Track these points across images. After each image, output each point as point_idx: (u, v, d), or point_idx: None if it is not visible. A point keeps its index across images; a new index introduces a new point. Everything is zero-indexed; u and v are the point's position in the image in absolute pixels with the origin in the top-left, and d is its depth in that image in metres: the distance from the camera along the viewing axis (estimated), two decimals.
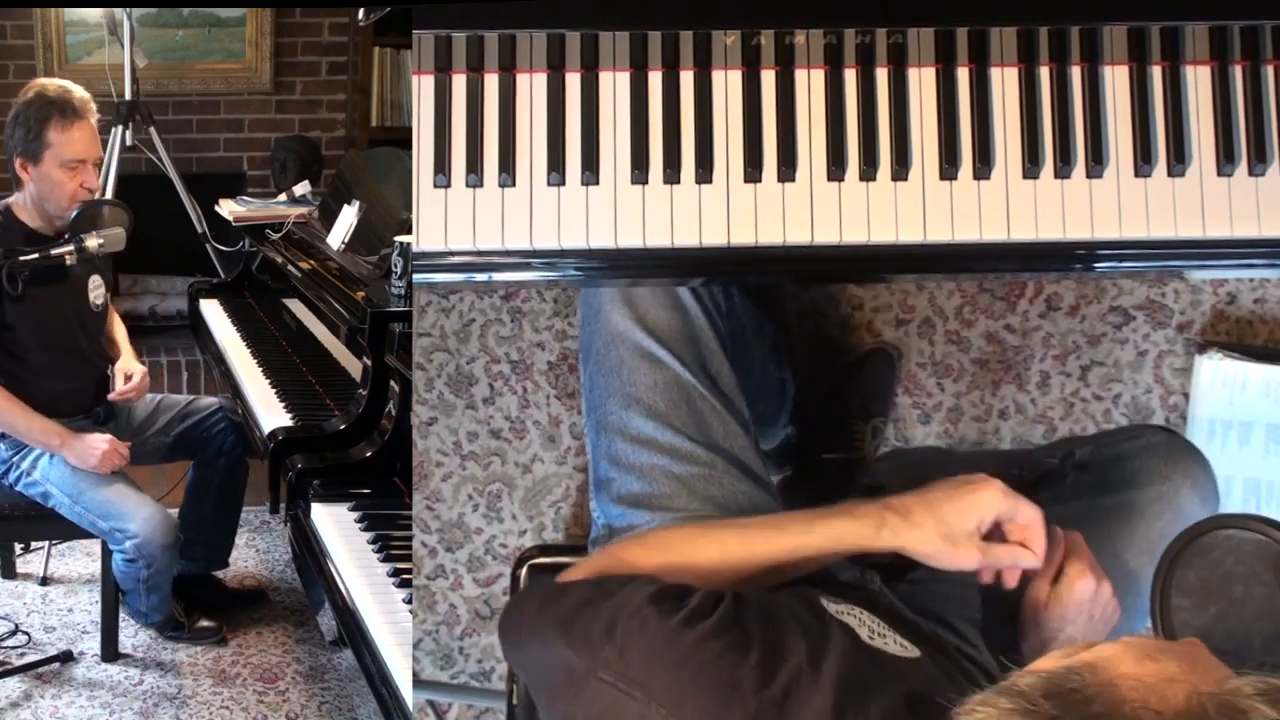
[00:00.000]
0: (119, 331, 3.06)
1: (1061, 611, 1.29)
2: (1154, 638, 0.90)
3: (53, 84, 2.69)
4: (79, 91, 2.68)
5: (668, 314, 1.54)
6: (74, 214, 2.68)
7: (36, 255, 2.58)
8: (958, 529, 1.28)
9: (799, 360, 2.12)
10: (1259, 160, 1.51)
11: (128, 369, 2.90)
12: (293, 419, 2.60)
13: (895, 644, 1.18)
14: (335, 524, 2.15)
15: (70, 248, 2.60)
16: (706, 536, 1.33)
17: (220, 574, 3.21)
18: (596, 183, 1.52)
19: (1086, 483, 1.49)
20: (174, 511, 3.01)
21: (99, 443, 2.70)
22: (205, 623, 3.01)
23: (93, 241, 2.63)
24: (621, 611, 1.12)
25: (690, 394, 1.52)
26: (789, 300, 2.21)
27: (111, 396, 2.85)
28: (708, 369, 1.54)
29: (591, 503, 1.59)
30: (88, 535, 2.81)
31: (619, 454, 1.53)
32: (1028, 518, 1.30)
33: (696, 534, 1.34)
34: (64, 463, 2.70)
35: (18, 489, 2.75)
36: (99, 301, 2.86)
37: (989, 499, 1.29)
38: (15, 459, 2.73)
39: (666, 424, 1.50)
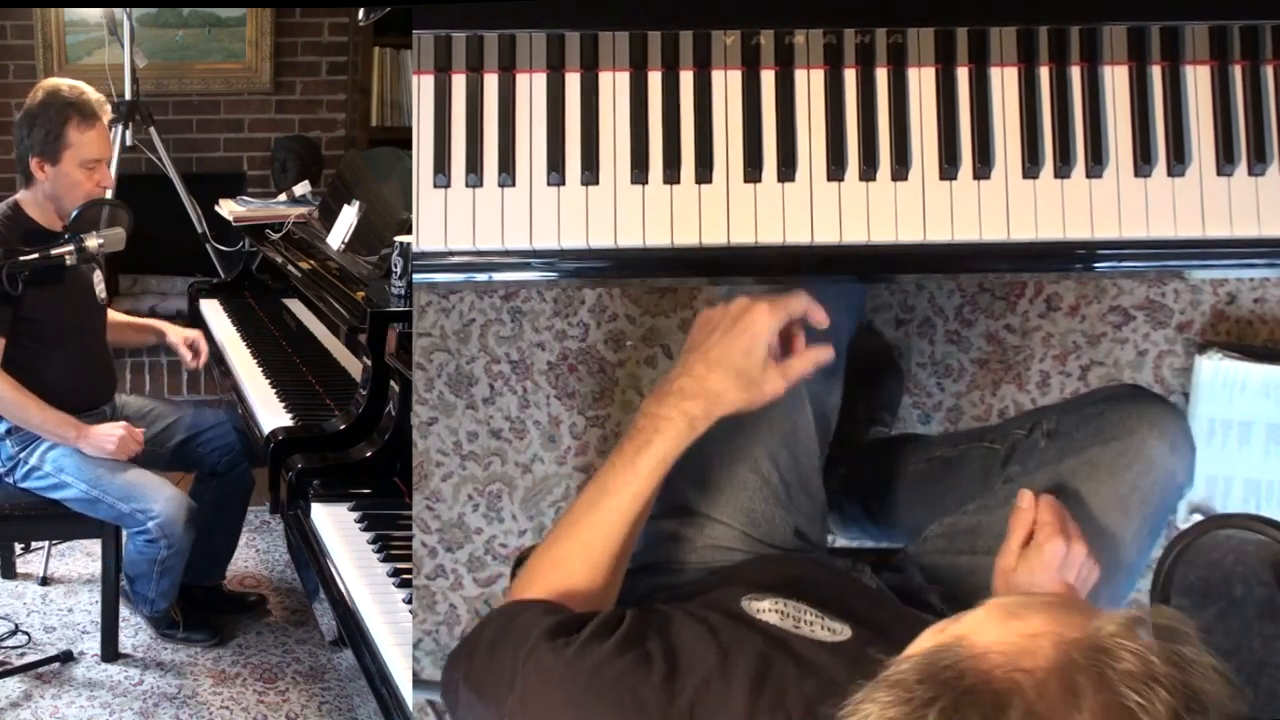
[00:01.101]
0: (126, 317, 3.15)
1: (1031, 577, 1.27)
2: (1024, 596, 0.88)
3: (66, 83, 2.71)
4: (94, 92, 2.72)
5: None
6: (74, 214, 2.69)
7: (37, 255, 2.58)
8: (753, 370, 1.29)
9: None
10: (1259, 160, 1.51)
11: (186, 337, 3.07)
12: (293, 419, 2.60)
13: (823, 629, 1.16)
14: (335, 524, 2.15)
15: (70, 247, 2.61)
16: (565, 550, 1.29)
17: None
18: (596, 183, 1.52)
19: (1055, 448, 1.47)
20: None
21: (114, 429, 2.71)
22: (201, 629, 3.00)
23: (93, 241, 2.63)
24: (518, 655, 1.11)
25: (789, 409, 1.49)
26: None
27: (196, 365, 3.08)
28: (813, 380, 1.50)
29: None
30: (88, 535, 2.81)
31: None
32: (798, 309, 1.32)
33: (554, 554, 1.30)
34: (77, 452, 2.71)
35: (23, 485, 2.75)
36: (103, 296, 2.88)
37: (763, 324, 1.30)
38: (22, 455, 2.74)
39: (752, 433, 1.47)
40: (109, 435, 2.71)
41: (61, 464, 2.71)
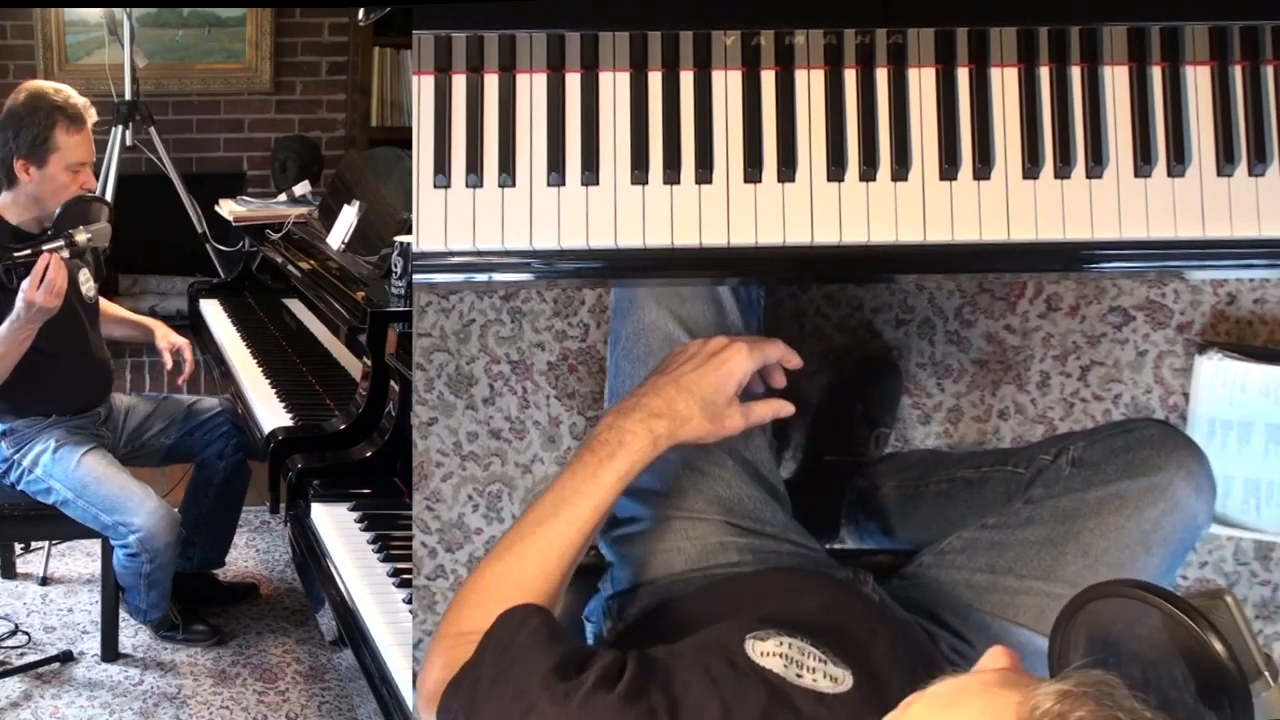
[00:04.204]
0: (123, 311, 3.14)
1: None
2: (964, 680, 0.87)
3: (51, 86, 2.72)
4: (79, 96, 2.72)
5: (703, 307, 1.54)
6: (58, 212, 2.69)
7: (30, 252, 2.58)
8: (719, 403, 1.34)
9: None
10: (1259, 160, 1.51)
11: (172, 344, 3.00)
12: (293, 419, 2.60)
13: (825, 678, 1.14)
14: (335, 524, 2.15)
15: (61, 243, 2.61)
16: (517, 558, 1.29)
17: (217, 572, 3.21)
18: (596, 183, 1.52)
19: (1081, 477, 1.48)
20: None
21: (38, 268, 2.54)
22: (199, 626, 3.01)
23: (81, 236, 2.64)
24: (520, 701, 1.08)
25: None
26: (788, 300, 2.21)
27: (181, 381, 2.99)
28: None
29: None
30: (88, 535, 2.81)
31: None
32: (774, 355, 1.38)
33: (506, 564, 1.30)
34: (66, 459, 2.70)
35: (19, 488, 2.75)
36: (90, 294, 2.87)
37: (740, 364, 1.35)
38: (16, 457, 2.74)
39: None
40: (35, 276, 2.51)
41: (51, 469, 2.71)
